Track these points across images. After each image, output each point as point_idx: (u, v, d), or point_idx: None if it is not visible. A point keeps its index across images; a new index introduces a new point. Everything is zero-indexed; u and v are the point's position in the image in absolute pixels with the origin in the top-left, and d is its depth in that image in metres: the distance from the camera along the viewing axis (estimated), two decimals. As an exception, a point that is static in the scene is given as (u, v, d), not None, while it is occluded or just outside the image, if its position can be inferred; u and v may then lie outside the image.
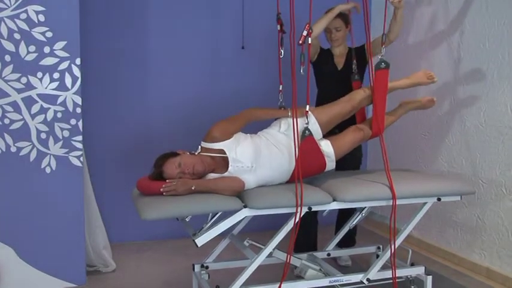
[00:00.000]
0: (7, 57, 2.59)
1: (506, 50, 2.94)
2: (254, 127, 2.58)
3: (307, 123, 2.44)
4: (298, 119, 2.38)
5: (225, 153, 2.37)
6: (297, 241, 3.03)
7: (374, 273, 2.50)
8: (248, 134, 2.50)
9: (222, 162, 2.39)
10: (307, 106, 2.43)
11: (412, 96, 3.22)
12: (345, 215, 3.18)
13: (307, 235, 3.15)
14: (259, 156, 2.40)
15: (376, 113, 2.61)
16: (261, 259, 2.35)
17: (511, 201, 2.93)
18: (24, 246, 2.69)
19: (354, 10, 2.93)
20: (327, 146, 2.55)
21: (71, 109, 2.70)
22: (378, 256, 2.86)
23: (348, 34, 3.07)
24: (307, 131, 2.43)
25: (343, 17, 2.98)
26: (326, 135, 2.64)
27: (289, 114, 2.54)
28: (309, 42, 2.40)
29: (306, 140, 2.42)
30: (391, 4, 2.69)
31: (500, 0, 2.97)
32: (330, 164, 2.56)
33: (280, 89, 2.70)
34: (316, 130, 2.52)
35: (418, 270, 2.64)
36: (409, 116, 3.35)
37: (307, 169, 2.43)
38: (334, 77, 3.08)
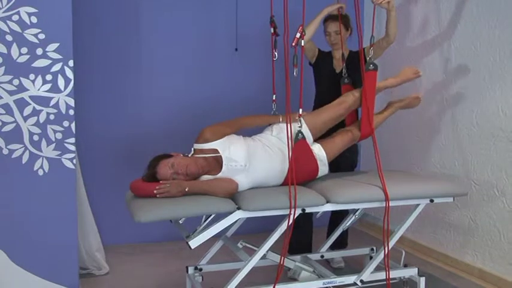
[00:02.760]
0: (-1, 59, 2.57)
1: (497, 52, 2.96)
2: (246, 134, 2.58)
3: (300, 127, 2.46)
4: (290, 124, 2.39)
5: (218, 152, 2.38)
6: (292, 243, 3.04)
7: (367, 274, 2.51)
8: (241, 136, 2.51)
9: (216, 163, 2.39)
10: (300, 110, 2.44)
11: (402, 94, 3.23)
12: (337, 216, 3.19)
13: (301, 237, 3.16)
14: (253, 155, 2.40)
15: (366, 114, 2.63)
16: (254, 261, 2.35)
17: (503, 203, 2.95)
18: (16, 249, 2.67)
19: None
20: (319, 150, 2.57)
21: (63, 111, 2.68)
22: (371, 258, 2.87)
23: (349, 37, 3.09)
24: (300, 134, 2.44)
25: (343, 20, 2.99)
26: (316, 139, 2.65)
27: (281, 120, 2.56)
28: (302, 44, 2.41)
29: (298, 143, 2.43)
30: (381, 7, 2.71)
31: (491, 3, 2.99)
32: (323, 169, 2.57)
33: (274, 98, 2.70)
34: (306, 135, 2.53)
35: (411, 272, 2.65)
36: (402, 118, 3.37)
37: (300, 172, 2.44)
38: (332, 79, 3.09)
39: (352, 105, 2.72)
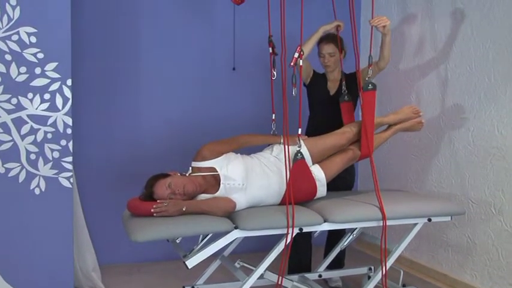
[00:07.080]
0: (-2, 78, 2.58)
1: (491, 72, 2.99)
2: (246, 152, 2.58)
3: (300, 147, 2.46)
4: (290, 146, 2.40)
5: (215, 171, 2.38)
6: (291, 262, 3.02)
7: (366, 294, 2.49)
8: (239, 154, 2.51)
9: (213, 182, 2.39)
10: (299, 130, 2.45)
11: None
12: (335, 236, 3.17)
13: (300, 257, 3.13)
14: (250, 174, 2.40)
15: (365, 134, 2.63)
16: (252, 281, 2.33)
17: (501, 222, 2.95)
18: (10, 269, 2.64)
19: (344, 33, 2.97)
20: (318, 171, 2.56)
21: (61, 130, 2.69)
22: (369, 277, 2.85)
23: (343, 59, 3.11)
24: (299, 155, 2.44)
25: (337, 42, 3.01)
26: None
27: (281, 141, 2.55)
28: (300, 64, 2.43)
29: (297, 163, 2.43)
30: (377, 30, 2.74)
31: (485, 23, 3.04)
32: (321, 189, 2.56)
33: (273, 117, 2.70)
34: (306, 157, 2.53)
35: (410, 292, 2.63)
36: (399, 137, 3.38)
37: (298, 192, 2.43)
38: (326, 101, 3.09)
39: (353, 137, 2.72)
